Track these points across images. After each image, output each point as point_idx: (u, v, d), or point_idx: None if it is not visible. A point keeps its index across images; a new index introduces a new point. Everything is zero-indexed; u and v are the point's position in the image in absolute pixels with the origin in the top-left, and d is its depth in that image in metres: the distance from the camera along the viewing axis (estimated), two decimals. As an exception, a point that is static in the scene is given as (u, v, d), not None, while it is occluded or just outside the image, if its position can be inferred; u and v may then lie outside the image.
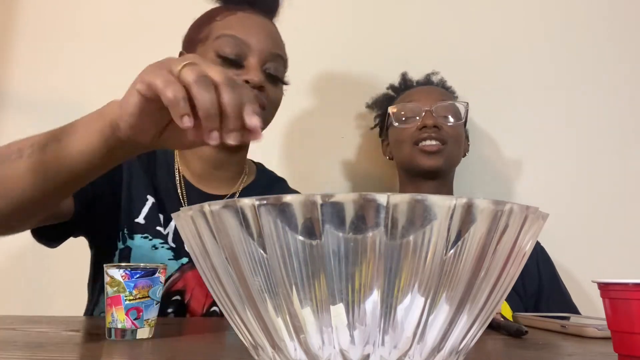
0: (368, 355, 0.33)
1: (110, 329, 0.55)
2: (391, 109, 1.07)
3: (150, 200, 0.85)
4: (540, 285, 1.03)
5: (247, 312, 0.36)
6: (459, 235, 0.32)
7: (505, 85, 1.29)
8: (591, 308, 1.12)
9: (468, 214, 0.32)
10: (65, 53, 1.39)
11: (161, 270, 0.58)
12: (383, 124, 1.17)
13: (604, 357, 0.48)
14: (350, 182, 1.30)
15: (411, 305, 0.33)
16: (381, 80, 1.26)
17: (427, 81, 1.16)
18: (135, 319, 0.55)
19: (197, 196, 0.88)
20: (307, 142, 1.32)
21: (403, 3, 1.35)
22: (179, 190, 0.88)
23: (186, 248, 0.48)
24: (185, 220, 0.37)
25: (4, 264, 1.25)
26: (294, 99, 1.33)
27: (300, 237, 0.32)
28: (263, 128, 0.86)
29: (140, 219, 0.84)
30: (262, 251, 0.33)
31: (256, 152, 1.38)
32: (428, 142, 1.02)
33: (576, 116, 1.28)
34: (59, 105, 1.36)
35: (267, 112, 0.85)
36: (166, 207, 0.86)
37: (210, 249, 0.36)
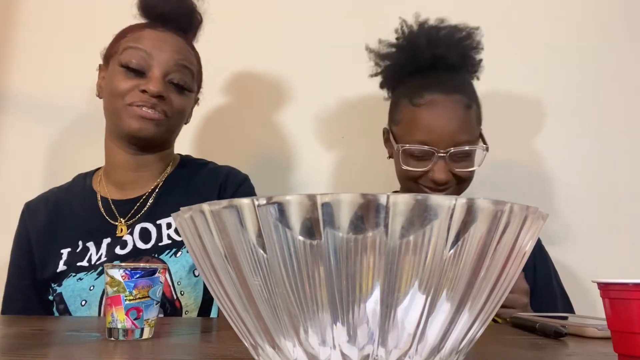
0: (368, 355, 0.33)
1: (110, 329, 0.55)
2: (400, 147, 0.94)
3: (65, 251, 0.91)
4: (534, 284, 1.01)
5: (247, 312, 0.36)
6: (459, 235, 0.32)
7: (501, 79, 1.29)
8: (591, 308, 1.12)
9: (468, 214, 0.32)
10: (65, 54, 1.39)
11: (161, 270, 0.58)
12: (388, 81, 1.04)
13: (604, 357, 0.48)
14: (350, 182, 1.30)
15: (411, 305, 0.33)
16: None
17: (443, 81, 0.95)
18: (135, 319, 0.55)
19: (120, 205, 0.95)
20: (307, 143, 1.32)
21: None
22: (102, 211, 0.94)
23: (186, 248, 0.48)
24: (185, 220, 0.37)
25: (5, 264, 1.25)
26: (294, 99, 1.34)
27: (300, 237, 0.32)
28: (171, 134, 0.96)
29: (61, 268, 0.90)
30: (262, 251, 0.33)
31: (258, 153, 1.38)
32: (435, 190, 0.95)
33: (580, 116, 1.28)
34: (59, 106, 1.36)
35: (171, 119, 0.92)
36: (93, 234, 0.92)
37: (210, 249, 0.36)
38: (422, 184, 0.96)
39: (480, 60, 1.01)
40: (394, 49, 1.01)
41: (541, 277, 1.03)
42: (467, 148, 0.93)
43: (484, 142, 0.98)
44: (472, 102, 0.96)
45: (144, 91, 0.87)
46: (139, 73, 0.89)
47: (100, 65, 0.98)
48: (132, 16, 0.98)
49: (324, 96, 1.32)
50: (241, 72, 1.36)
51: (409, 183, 0.98)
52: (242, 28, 1.35)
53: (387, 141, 1.06)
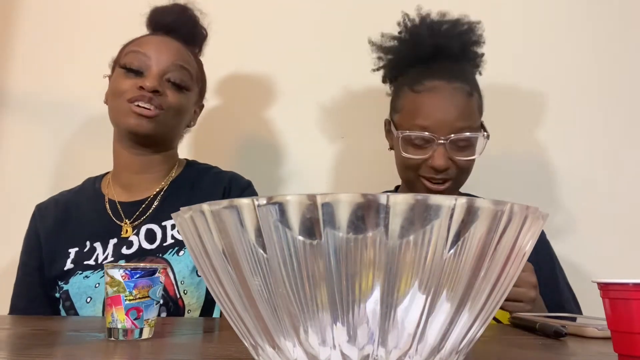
0: (368, 355, 0.33)
1: (110, 329, 0.55)
2: (400, 133, 0.94)
3: (73, 251, 0.93)
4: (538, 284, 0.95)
5: (247, 312, 0.36)
6: (459, 235, 0.32)
7: (505, 77, 1.29)
8: (591, 308, 1.12)
9: (468, 214, 0.32)
10: (65, 53, 1.39)
11: (161, 270, 0.58)
12: (390, 73, 1.04)
13: (604, 357, 0.48)
14: (350, 182, 1.30)
15: (411, 305, 0.33)
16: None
17: (443, 67, 0.96)
18: (135, 319, 0.55)
19: (126, 207, 0.97)
20: (307, 142, 1.32)
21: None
22: (109, 213, 0.97)
23: (186, 248, 0.48)
24: (185, 220, 0.37)
25: (6, 265, 1.25)
26: (295, 99, 1.34)
27: (300, 237, 0.32)
28: (169, 130, 0.97)
29: (68, 266, 0.92)
30: (262, 251, 0.33)
31: (257, 152, 1.38)
32: (435, 185, 0.95)
33: (582, 113, 1.28)
34: (59, 105, 1.36)
35: (167, 112, 0.94)
36: (100, 235, 0.94)
37: (210, 249, 0.36)
38: (421, 175, 0.95)
39: (482, 55, 1.01)
40: (396, 42, 1.01)
41: (546, 276, 0.97)
42: (467, 134, 0.92)
43: (485, 132, 0.98)
44: (473, 91, 0.95)
45: (141, 87, 0.91)
46: (138, 73, 0.93)
47: (109, 76, 1.02)
48: (139, 13, 1.01)
49: (322, 94, 1.32)
50: (237, 70, 1.36)
51: (409, 173, 0.97)
52: (238, 24, 1.35)
53: (388, 132, 1.05)
